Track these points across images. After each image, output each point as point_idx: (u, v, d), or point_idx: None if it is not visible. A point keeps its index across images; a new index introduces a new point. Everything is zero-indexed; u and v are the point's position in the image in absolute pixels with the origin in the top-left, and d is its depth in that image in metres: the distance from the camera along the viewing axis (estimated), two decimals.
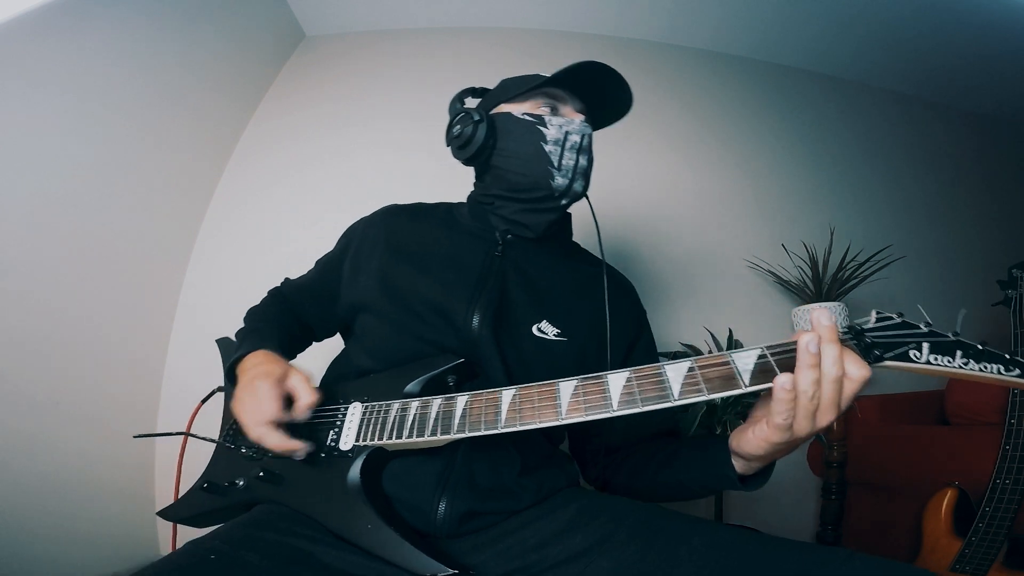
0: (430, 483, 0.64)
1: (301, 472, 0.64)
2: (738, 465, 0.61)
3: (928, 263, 2.00)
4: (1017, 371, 0.44)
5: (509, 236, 0.81)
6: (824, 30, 2.00)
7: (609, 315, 0.77)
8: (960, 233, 2.10)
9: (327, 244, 0.93)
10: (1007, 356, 0.45)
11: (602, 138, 0.87)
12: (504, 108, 0.81)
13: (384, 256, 0.79)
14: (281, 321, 0.83)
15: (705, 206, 1.97)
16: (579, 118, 0.78)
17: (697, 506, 1.50)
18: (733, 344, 1.67)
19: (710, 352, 1.66)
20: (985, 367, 0.45)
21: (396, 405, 0.63)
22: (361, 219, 0.88)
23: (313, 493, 0.62)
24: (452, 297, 0.73)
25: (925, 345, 0.47)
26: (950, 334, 0.48)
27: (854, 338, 0.50)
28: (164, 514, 0.75)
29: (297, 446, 0.61)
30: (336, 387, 0.72)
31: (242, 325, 0.83)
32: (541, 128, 0.75)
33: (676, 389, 0.50)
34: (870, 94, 2.21)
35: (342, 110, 2.01)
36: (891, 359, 0.48)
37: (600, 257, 0.85)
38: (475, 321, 0.71)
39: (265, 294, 0.90)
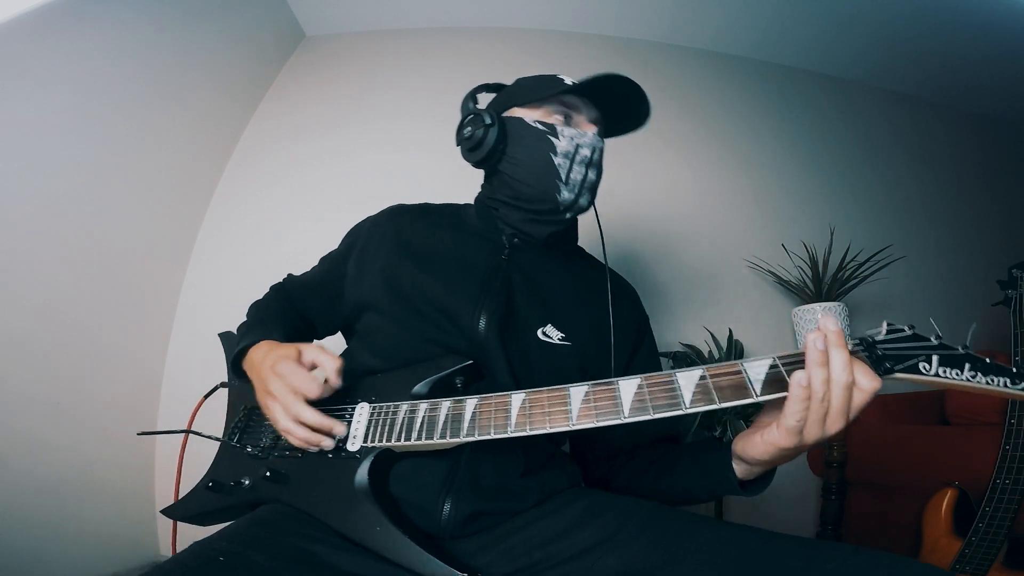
0: (435, 484, 0.64)
1: (307, 472, 0.64)
2: (739, 470, 0.61)
3: (928, 263, 2.00)
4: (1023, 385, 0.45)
5: (516, 240, 0.81)
6: (824, 30, 2.00)
7: (613, 320, 0.78)
8: (960, 233, 2.10)
9: (327, 243, 0.93)
10: (1014, 370, 0.46)
11: None
12: (517, 112, 0.79)
13: (390, 255, 0.78)
14: (284, 315, 0.82)
15: (705, 206, 1.97)
16: (592, 130, 0.77)
17: (697, 507, 1.50)
18: (733, 344, 1.68)
19: (710, 352, 1.68)
20: (992, 380, 0.46)
21: (404, 407, 0.63)
22: (367, 218, 0.88)
23: (320, 494, 0.62)
24: (458, 298, 0.73)
25: (935, 358, 0.48)
26: (959, 347, 0.48)
27: (865, 350, 0.50)
28: (168, 512, 0.74)
29: (335, 425, 0.61)
30: (340, 386, 0.72)
31: (244, 319, 0.82)
32: (552, 139, 0.74)
33: (687, 397, 0.51)
34: (870, 94, 2.21)
35: (342, 110, 2.02)
36: (901, 371, 0.48)
37: (604, 262, 0.85)
38: (481, 323, 0.71)
39: (267, 291, 0.90)
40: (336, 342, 0.92)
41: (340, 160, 1.94)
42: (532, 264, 0.80)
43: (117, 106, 1.46)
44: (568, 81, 0.78)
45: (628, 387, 0.53)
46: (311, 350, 0.64)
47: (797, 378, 0.49)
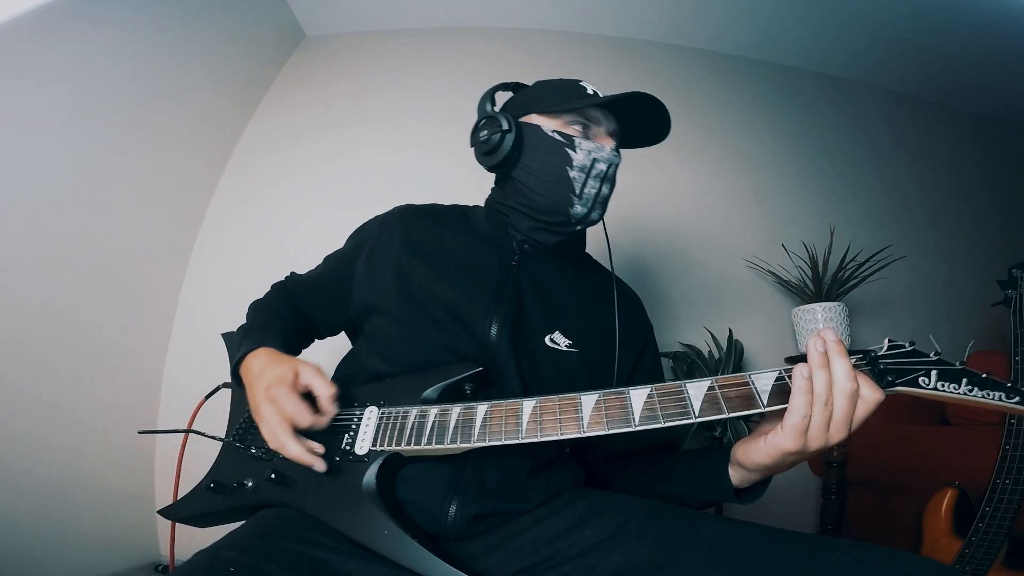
0: (441, 487, 0.64)
1: (313, 475, 0.63)
2: (736, 477, 0.61)
3: (928, 263, 2.00)
4: (1017, 398, 0.47)
5: (526, 246, 0.81)
6: (824, 30, 2.00)
7: (619, 329, 0.78)
8: (960, 233, 2.10)
9: (327, 243, 0.92)
10: (1008, 384, 0.48)
11: None
12: (535, 119, 0.78)
13: (400, 257, 0.77)
14: (285, 316, 0.81)
15: (705, 206, 1.97)
16: (610, 145, 0.76)
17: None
18: (733, 344, 1.68)
19: (710, 352, 1.68)
20: (988, 394, 0.48)
21: (414, 411, 0.63)
22: (375, 217, 0.87)
23: (326, 497, 0.61)
24: (470, 305, 0.73)
25: (934, 372, 0.50)
26: (957, 363, 0.50)
27: (868, 364, 0.52)
28: (166, 513, 0.73)
29: (317, 462, 0.59)
30: (348, 390, 0.71)
31: (244, 320, 0.81)
32: (569, 151, 0.73)
33: (696, 406, 0.53)
34: (870, 94, 2.21)
35: (342, 110, 2.02)
36: (902, 385, 0.51)
37: (610, 269, 0.86)
38: (493, 331, 0.71)
39: (268, 290, 0.89)
40: (337, 342, 0.92)
41: (340, 160, 1.94)
42: (541, 270, 0.80)
43: (117, 106, 1.46)
44: (590, 90, 0.78)
45: (638, 396, 0.55)
46: (307, 373, 0.63)
47: (799, 369, 0.50)
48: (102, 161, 1.44)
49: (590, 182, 0.74)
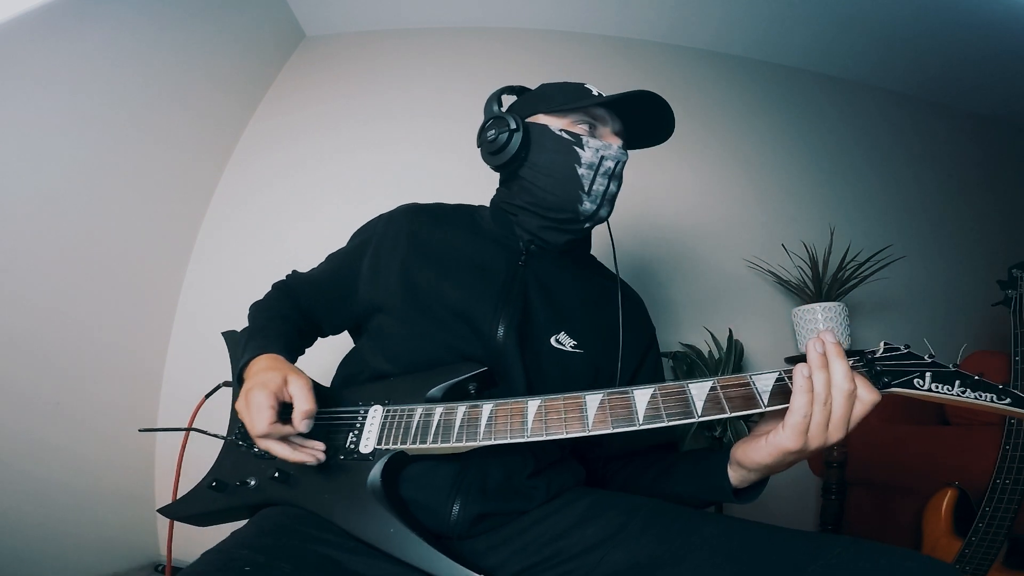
0: (444, 486, 0.64)
1: (317, 474, 0.63)
2: (736, 477, 0.62)
3: (928, 263, 2.00)
4: (1008, 400, 0.49)
5: (532, 246, 0.81)
6: (824, 30, 1.99)
7: (623, 330, 0.78)
8: (960, 233, 2.10)
9: (327, 243, 0.92)
10: (1000, 386, 0.50)
11: None
12: (541, 119, 0.79)
13: (406, 256, 0.77)
14: (288, 317, 0.80)
15: (705, 206, 1.97)
16: (617, 143, 0.77)
17: None
18: (733, 344, 1.68)
19: (710, 352, 1.68)
20: (980, 396, 0.50)
21: (419, 410, 0.63)
22: (380, 215, 0.86)
23: (330, 496, 0.61)
24: (477, 305, 0.73)
25: (928, 374, 0.52)
26: (950, 365, 0.52)
27: (865, 365, 0.54)
28: (167, 512, 0.72)
29: (306, 458, 0.60)
30: (351, 389, 0.71)
31: (246, 321, 0.81)
32: (577, 149, 0.74)
33: (699, 406, 0.54)
34: (870, 94, 2.21)
35: (342, 110, 2.02)
36: (897, 386, 0.53)
37: (615, 271, 0.86)
38: (500, 332, 0.71)
39: (269, 289, 0.88)
40: (337, 341, 0.92)
41: (340, 160, 1.94)
42: (547, 271, 0.80)
43: (117, 106, 1.46)
44: (595, 92, 0.79)
45: (642, 396, 0.56)
46: (295, 385, 0.62)
47: (800, 369, 0.52)
48: (102, 161, 1.44)
49: (598, 179, 0.75)
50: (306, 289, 0.85)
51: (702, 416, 0.53)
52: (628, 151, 0.80)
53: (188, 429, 0.79)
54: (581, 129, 0.77)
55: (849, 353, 0.54)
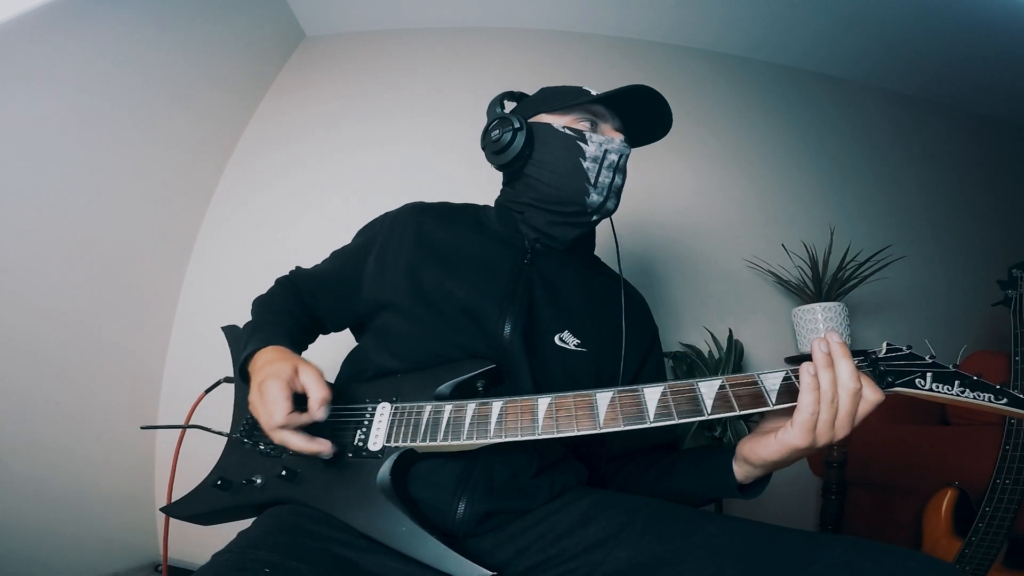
0: (450, 484, 0.64)
1: (325, 472, 0.63)
2: (740, 473, 0.63)
3: (928, 263, 2.00)
4: (1005, 400, 0.50)
5: (538, 244, 0.81)
6: (824, 30, 2.00)
7: (625, 330, 0.79)
8: (960, 233, 2.10)
9: (327, 242, 0.92)
10: (997, 387, 0.51)
11: None
12: (544, 118, 0.81)
13: (413, 254, 0.78)
14: (292, 312, 0.80)
15: (705, 206, 1.97)
16: (619, 137, 0.79)
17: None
18: (733, 344, 1.68)
19: (710, 352, 1.68)
20: (978, 396, 0.51)
21: (428, 407, 0.63)
22: (386, 213, 0.87)
23: (339, 494, 0.61)
24: (484, 303, 0.73)
25: (928, 375, 0.53)
26: (950, 366, 0.53)
27: (869, 365, 0.55)
28: (170, 511, 0.72)
29: (322, 448, 0.60)
30: (357, 386, 0.71)
31: (249, 316, 0.81)
32: (581, 144, 0.76)
33: (709, 404, 0.55)
34: (870, 94, 2.21)
35: (342, 110, 2.02)
36: (900, 386, 0.54)
37: (618, 271, 0.86)
38: (507, 330, 0.72)
39: (272, 284, 0.88)
40: (338, 340, 0.92)
41: (340, 159, 1.94)
42: (552, 270, 0.81)
43: (118, 106, 1.46)
44: (593, 93, 0.80)
45: (652, 394, 0.57)
46: (306, 374, 0.62)
47: (806, 367, 0.53)
48: (103, 160, 1.44)
49: (603, 172, 0.76)
50: (310, 285, 0.85)
51: (712, 414, 0.54)
52: (630, 147, 0.81)
53: (191, 426, 0.78)
54: (583, 126, 0.78)
55: (853, 353, 0.55)
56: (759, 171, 2.05)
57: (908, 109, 2.22)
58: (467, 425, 0.60)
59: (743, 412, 0.54)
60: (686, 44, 2.14)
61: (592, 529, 0.62)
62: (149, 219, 1.63)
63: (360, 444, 0.63)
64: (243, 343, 0.72)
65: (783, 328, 1.83)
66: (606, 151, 0.76)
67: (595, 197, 0.76)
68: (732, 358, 1.65)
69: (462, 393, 0.65)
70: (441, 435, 0.60)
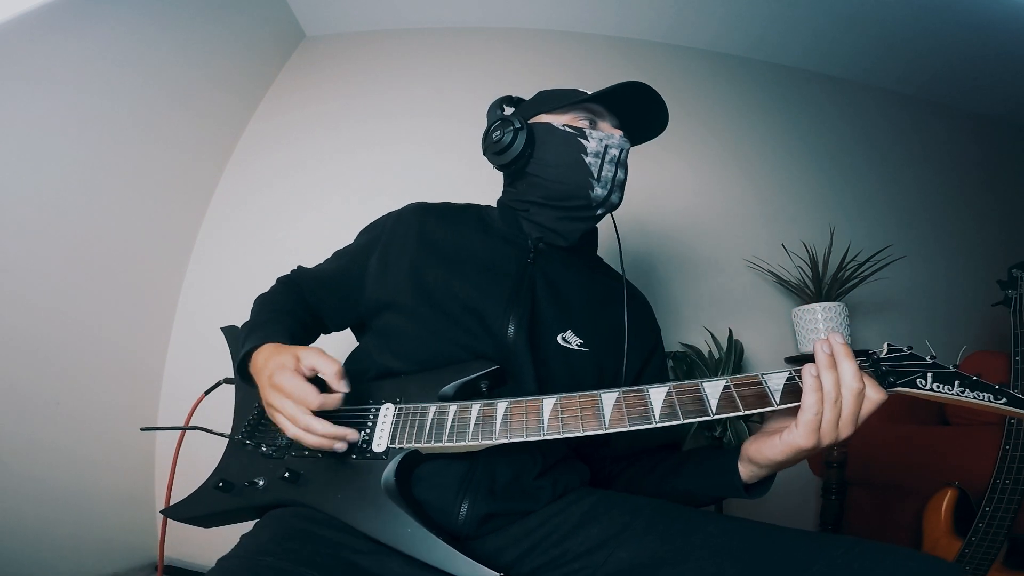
0: (453, 485, 0.64)
1: (328, 473, 0.63)
2: (745, 473, 0.63)
3: (928, 263, 2.00)
4: (1004, 400, 0.51)
5: (541, 244, 0.82)
6: (824, 30, 1.99)
7: (628, 330, 0.79)
8: (960, 233, 2.10)
9: (327, 242, 0.92)
10: (996, 387, 0.52)
11: None
12: (543, 118, 0.82)
13: (416, 254, 0.78)
14: (292, 311, 0.80)
15: (705, 206, 1.97)
16: (618, 133, 0.80)
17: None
18: (733, 344, 1.67)
19: (710, 352, 1.68)
20: (978, 395, 0.52)
21: (433, 408, 0.63)
22: (389, 213, 0.87)
23: (343, 495, 0.60)
24: (488, 303, 0.73)
25: (929, 375, 0.54)
26: (951, 366, 0.54)
27: (871, 365, 0.56)
28: (170, 513, 0.71)
29: (347, 432, 0.60)
30: (359, 387, 0.70)
31: (249, 314, 0.80)
32: (582, 140, 0.77)
33: (714, 404, 0.55)
34: (870, 94, 2.21)
35: (342, 110, 2.02)
36: (901, 385, 0.54)
37: (621, 272, 0.87)
38: (511, 330, 0.72)
39: (274, 283, 0.88)
40: (340, 339, 0.91)
41: (340, 159, 1.94)
42: (555, 269, 0.81)
43: (118, 106, 1.46)
44: (590, 93, 0.81)
45: (658, 394, 0.57)
46: (309, 355, 0.61)
47: (808, 368, 0.53)
48: (103, 160, 1.44)
49: (606, 166, 0.77)
50: (312, 284, 0.85)
51: (717, 414, 0.54)
52: (630, 142, 0.82)
53: (192, 428, 0.77)
54: (582, 124, 0.80)
55: (855, 353, 0.55)
56: (759, 171, 2.05)
57: (908, 109, 2.22)
58: (472, 426, 0.60)
59: (748, 412, 0.54)
60: (686, 44, 2.14)
61: (594, 530, 0.62)
62: (149, 219, 1.63)
63: (364, 445, 0.63)
64: (240, 342, 0.72)
65: (783, 328, 1.83)
66: (607, 146, 0.77)
67: (599, 191, 0.77)
68: (732, 358, 1.65)
69: (466, 394, 0.65)
70: (446, 436, 0.60)
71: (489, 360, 0.67)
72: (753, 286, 1.89)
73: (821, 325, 1.61)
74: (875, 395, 0.53)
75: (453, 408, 0.62)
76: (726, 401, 0.54)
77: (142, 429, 0.93)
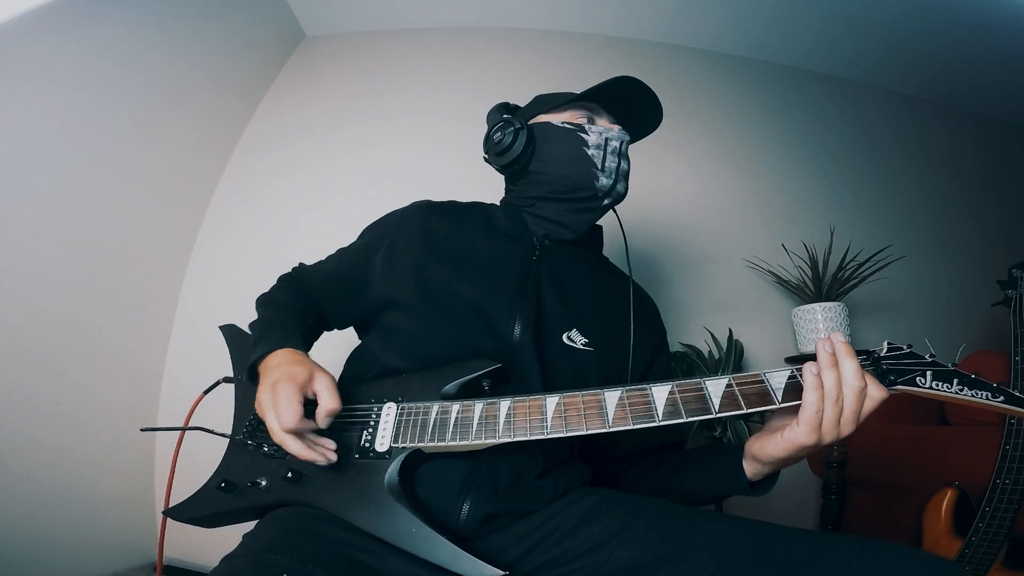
0: (455, 485, 0.64)
1: (330, 473, 0.62)
2: (750, 470, 0.63)
3: (928, 263, 2.00)
4: (1002, 398, 0.52)
5: (547, 241, 0.82)
6: (824, 30, 1.99)
7: (634, 331, 0.79)
8: (960, 233, 2.10)
9: (327, 242, 0.92)
10: (994, 385, 0.52)
11: None
12: (542, 119, 0.83)
13: (421, 253, 0.78)
14: (300, 311, 0.80)
15: (705, 206, 1.97)
16: (616, 127, 0.81)
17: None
18: (733, 344, 1.67)
19: (710, 352, 1.68)
20: (977, 393, 0.52)
21: (435, 407, 0.62)
22: (394, 211, 0.87)
23: (346, 495, 0.60)
24: (493, 302, 0.73)
25: (928, 373, 0.54)
26: (950, 364, 0.54)
27: (872, 364, 0.56)
28: (172, 513, 0.71)
29: (318, 457, 0.59)
30: (362, 385, 0.71)
31: (255, 314, 0.80)
32: (582, 135, 0.78)
33: (716, 403, 0.55)
34: (870, 94, 2.21)
35: (342, 110, 2.02)
36: (902, 384, 0.55)
37: (628, 272, 0.87)
38: (517, 331, 0.72)
39: (276, 282, 0.87)
40: (341, 338, 0.91)
41: (340, 159, 1.94)
42: (561, 266, 0.81)
43: (118, 106, 1.46)
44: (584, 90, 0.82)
45: (660, 392, 0.57)
46: (320, 382, 0.62)
47: (809, 367, 0.54)
48: (103, 160, 1.44)
49: (608, 157, 0.78)
50: (316, 283, 0.85)
51: (719, 412, 0.54)
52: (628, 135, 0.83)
53: (192, 428, 0.77)
54: (581, 120, 0.81)
55: (856, 352, 0.56)
56: (759, 171, 2.04)
57: (908, 109, 2.22)
58: (475, 425, 0.60)
59: (750, 410, 0.54)
60: (686, 44, 2.14)
61: (596, 529, 0.62)
62: (149, 219, 1.63)
63: (367, 445, 0.63)
64: (253, 342, 0.72)
65: (783, 328, 1.83)
66: (607, 139, 0.78)
67: (604, 181, 0.78)
68: (732, 358, 1.65)
69: (468, 392, 0.65)
70: (449, 435, 0.60)
71: (491, 359, 0.67)
72: (753, 286, 1.89)
73: (821, 325, 1.61)
74: (876, 393, 0.53)
75: (456, 407, 0.61)
76: (729, 399, 0.55)
77: (142, 430, 0.93)
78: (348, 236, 0.90)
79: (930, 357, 0.55)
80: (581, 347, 0.75)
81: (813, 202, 2.02)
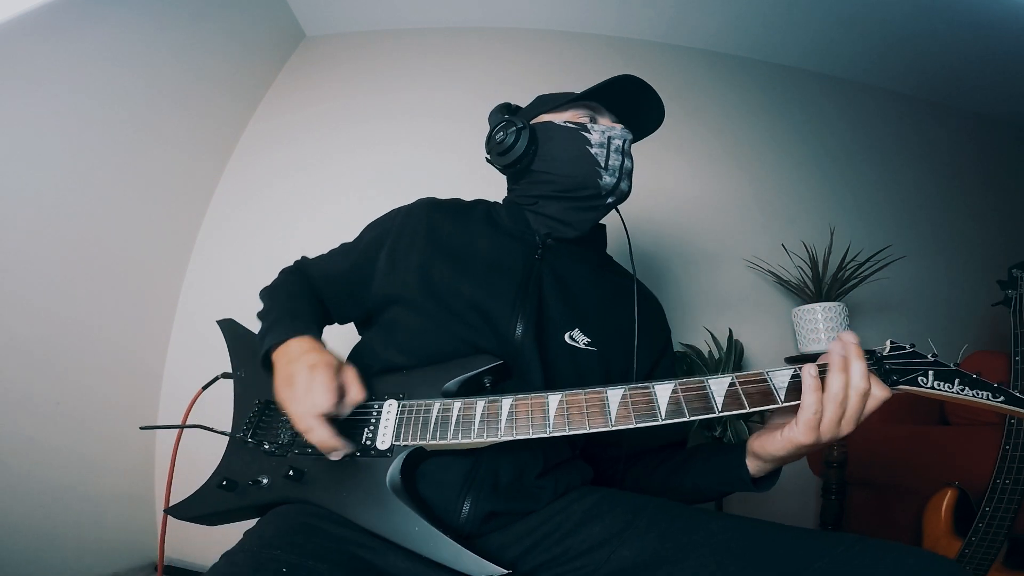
0: (456, 483, 0.64)
1: (332, 471, 0.62)
2: (752, 467, 0.64)
3: (928, 263, 2.00)
4: (1003, 398, 0.52)
5: (549, 240, 0.81)
6: (824, 30, 1.99)
7: (639, 330, 0.79)
8: (960, 233, 2.10)
9: (327, 242, 0.92)
10: (995, 385, 0.53)
11: None
12: (544, 118, 0.83)
13: (425, 251, 0.78)
14: (313, 301, 0.80)
15: (705, 206, 1.97)
16: (619, 125, 0.81)
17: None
18: (733, 344, 1.68)
19: (710, 352, 1.68)
20: (977, 393, 0.53)
21: (437, 404, 0.62)
22: (398, 208, 0.86)
23: (348, 492, 0.60)
24: (495, 301, 0.73)
25: (931, 372, 0.54)
26: (951, 364, 0.54)
27: (875, 364, 0.56)
28: (174, 512, 0.70)
29: (341, 447, 0.60)
30: (363, 382, 0.70)
31: (249, 315, 0.79)
32: (584, 133, 0.78)
33: (719, 402, 0.55)
34: (870, 94, 2.21)
35: (342, 110, 2.02)
36: (904, 383, 0.55)
37: (632, 272, 0.86)
38: (519, 330, 0.72)
39: (279, 275, 0.87)
40: (342, 335, 0.91)
41: (340, 160, 1.94)
42: (563, 265, 0.81)
43: (118, 106, 1.46)
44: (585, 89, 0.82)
45: (663, 391, 0.57)
46: (350, 373, 0.64)
47: (807, 369, 0.54)
48: (103, 160, 1.44)
49: (612, 155, 0.78)
50: (320, 279, 0.85)
51: (722, 411, 0.54)
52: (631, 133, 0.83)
53: (192, 426, 0.76)
54: (583, 119, 0.81)
55: None
56: (759, 171, 2.05)
57: (908, 109, 2.22)
58: (477, 423, 0.59)
59: (753, 409, 0.54)
60: (686, 44, 2.14)
61: (596, 527, 0.62)
62: (149, 219, 1.63)
63: (368, 443, 0.62)
64: (267, 328, 0.71)
65: (783, 328, 1.83)
66: (609, 137, 0.78)
67: (608, 179, 0.78)
68: (732, 358, 1.65)
69: (469, 390, 0.65)
70: (451, 433, 0.60)
71: (492, 355, 0.67)
72: (753, 286, 1.89)
73: (821, 325, 1.61)
74: (880, 393, 0.54)
75: (458, 404, 0.61)
76: (732, 398, 0.55)
77: (141, 428, 0.93)
78: (348, 236, 0.90)
79: (932, 357, 0.55)
80: (583, 347, 0.75)
81: (813, 202, 2.02)
